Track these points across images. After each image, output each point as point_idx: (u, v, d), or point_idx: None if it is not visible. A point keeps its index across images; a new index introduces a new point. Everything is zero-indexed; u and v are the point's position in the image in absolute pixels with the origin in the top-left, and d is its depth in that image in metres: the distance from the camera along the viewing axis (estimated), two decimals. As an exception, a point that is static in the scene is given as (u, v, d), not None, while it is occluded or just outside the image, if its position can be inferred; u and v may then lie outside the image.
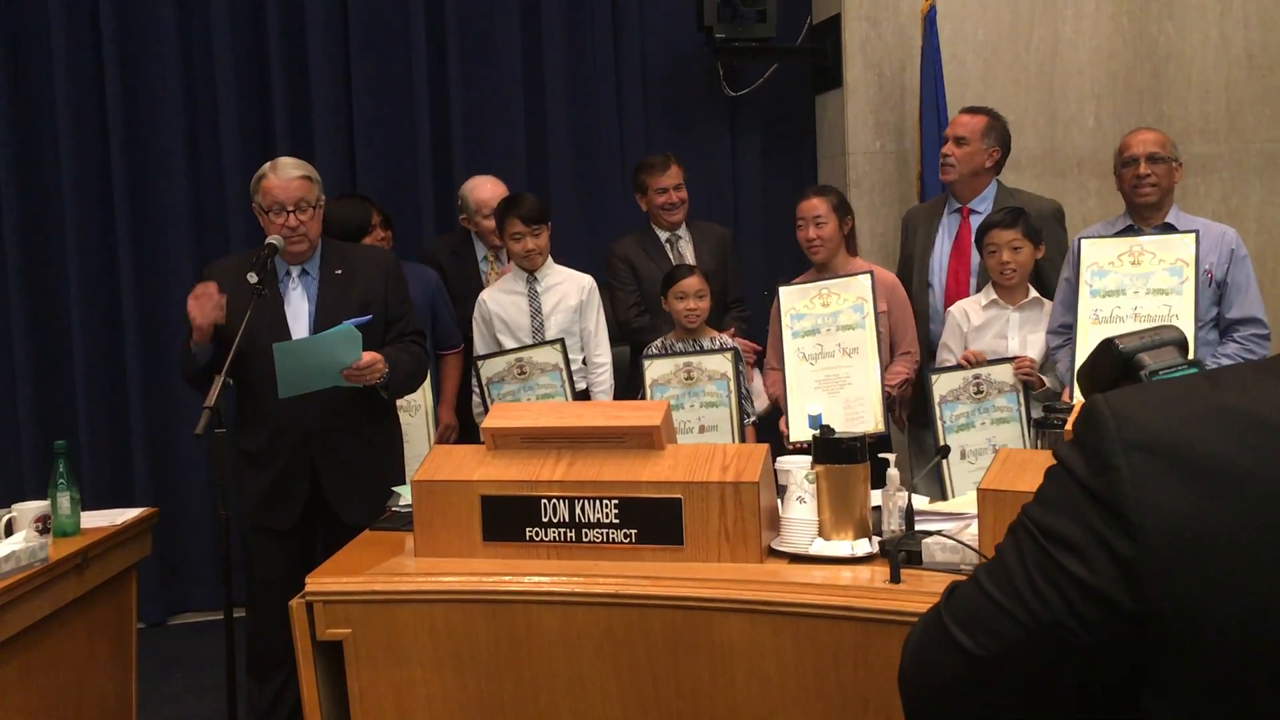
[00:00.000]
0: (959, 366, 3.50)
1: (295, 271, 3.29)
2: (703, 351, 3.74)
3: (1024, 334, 3.55)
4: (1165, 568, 0.89)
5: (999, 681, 0.98)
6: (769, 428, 3.84)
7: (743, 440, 3.64)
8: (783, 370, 3.62)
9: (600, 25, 5.13)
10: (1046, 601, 0.94)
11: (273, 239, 3.15)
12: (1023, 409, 3.38)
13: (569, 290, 4.01)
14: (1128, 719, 0.98)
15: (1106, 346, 1.14)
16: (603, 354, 4.02)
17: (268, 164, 3.27)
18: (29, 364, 4.71)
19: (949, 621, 1.01)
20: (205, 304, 3.08)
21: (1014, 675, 0.97)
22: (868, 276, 3.57)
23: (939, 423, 3.42)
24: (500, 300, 4.03)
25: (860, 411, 3.45)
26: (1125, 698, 0.97)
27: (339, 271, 3.29)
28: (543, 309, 3.99)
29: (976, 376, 3.42)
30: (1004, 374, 3.41)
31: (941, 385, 3.46)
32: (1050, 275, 3.83)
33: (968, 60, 4.99)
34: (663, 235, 4.32)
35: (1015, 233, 3.57)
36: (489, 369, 3.79)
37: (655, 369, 3.68)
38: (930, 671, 1.03)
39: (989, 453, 3.33)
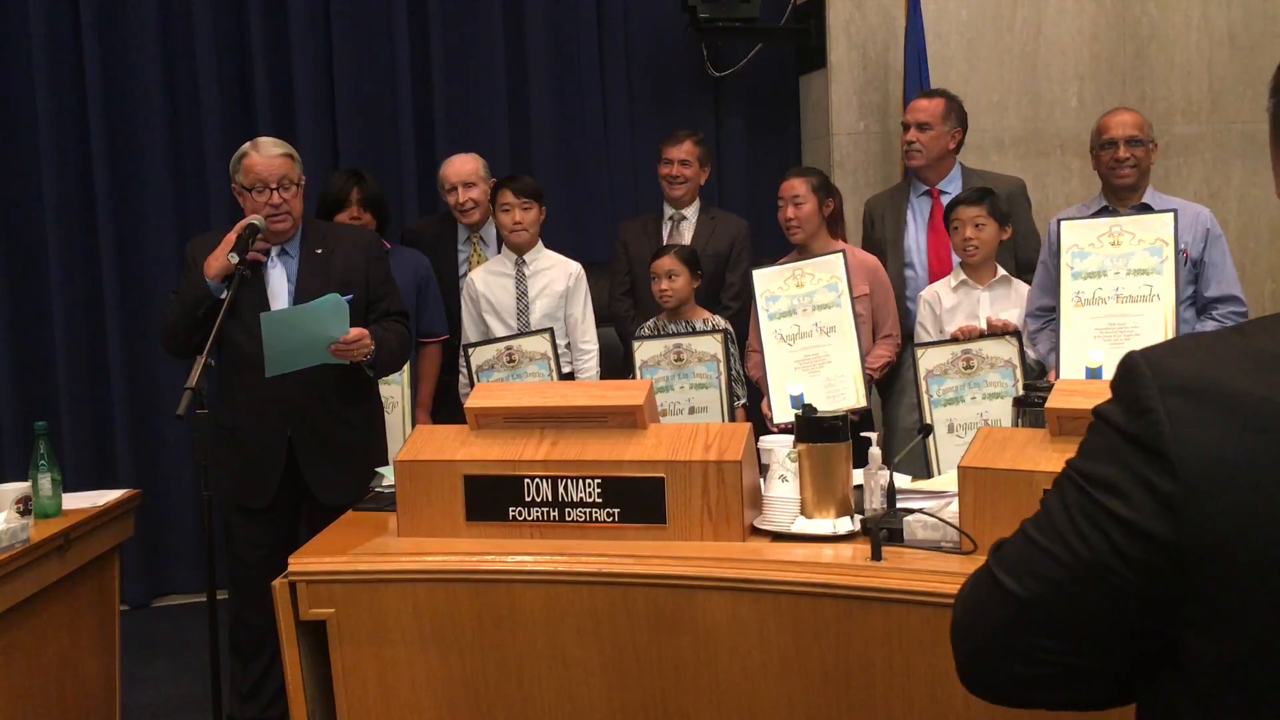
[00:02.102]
0: (949, 341, 3.50)
1: (275, 250, 3.27)
2: (693, 333, 3.75)
3: (995, 313, 3.56)
4: (1204, 501, 0.93)
5: (1044, 624, 1.02)
6: (754, 410, 3.84)
7: (732, 422, 3.65)
8: (761, 352, 3.62)
9: (584, 4, 5.11)
10: (1089, 541, 0.98)
11: (254, 219, 3.14)
12: (1018, 384, 3.37)
13: (556, 276, 4.01)
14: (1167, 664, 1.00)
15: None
16: (589, 340, 4.02)
17: (247, 143, 3.25)
18: (9, 345, 4.69)
19: (996, 570, 1.05)
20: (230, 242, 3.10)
21: (1059, 617, 1.01)
22: (840, 255, 3.58)
23: (924, 397, 3.43)
24: (488, 281, 4.03)
25: (841, 388, 3.46)
26: (1166, 642, 0.99)
27: (319, 250, 3.28)
28: (529, 292, 3.99)
29: (966, 351, 3.42)
30: (997, 349, 3.41)
31: (928, 359, 3.45)
32: (1021, 250, 3.84)
33: (951, 40, 4.99)
34: (667, 213, 4.32)
35: (979, 210, 3.58)
36: (479, 356, 3.79)
37: (645, 350, 3.69)
38: (980, 620, 1.06)
39: (980, 426, 3.34)
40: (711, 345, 3.65)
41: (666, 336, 3.76)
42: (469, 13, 5.01)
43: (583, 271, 4.05)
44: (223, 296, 3.05)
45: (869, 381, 3.56)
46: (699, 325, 3.82)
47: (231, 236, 3.12)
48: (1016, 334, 3.43)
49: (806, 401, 2.39)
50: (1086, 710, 1.08)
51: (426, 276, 4.14)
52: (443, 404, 4.12)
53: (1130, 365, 1.00)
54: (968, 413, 3.39)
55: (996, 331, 3.44)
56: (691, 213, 4.32)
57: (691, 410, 3.63)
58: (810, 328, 3.53)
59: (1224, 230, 3.66)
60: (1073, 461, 1.03)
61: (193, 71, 4.77)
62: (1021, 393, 3.26)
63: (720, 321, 3.87)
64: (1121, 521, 0.96)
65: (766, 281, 3.61)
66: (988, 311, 3.57)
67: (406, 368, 3.84)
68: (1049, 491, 1.05)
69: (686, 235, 4.26)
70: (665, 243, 4.18)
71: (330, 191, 3.98)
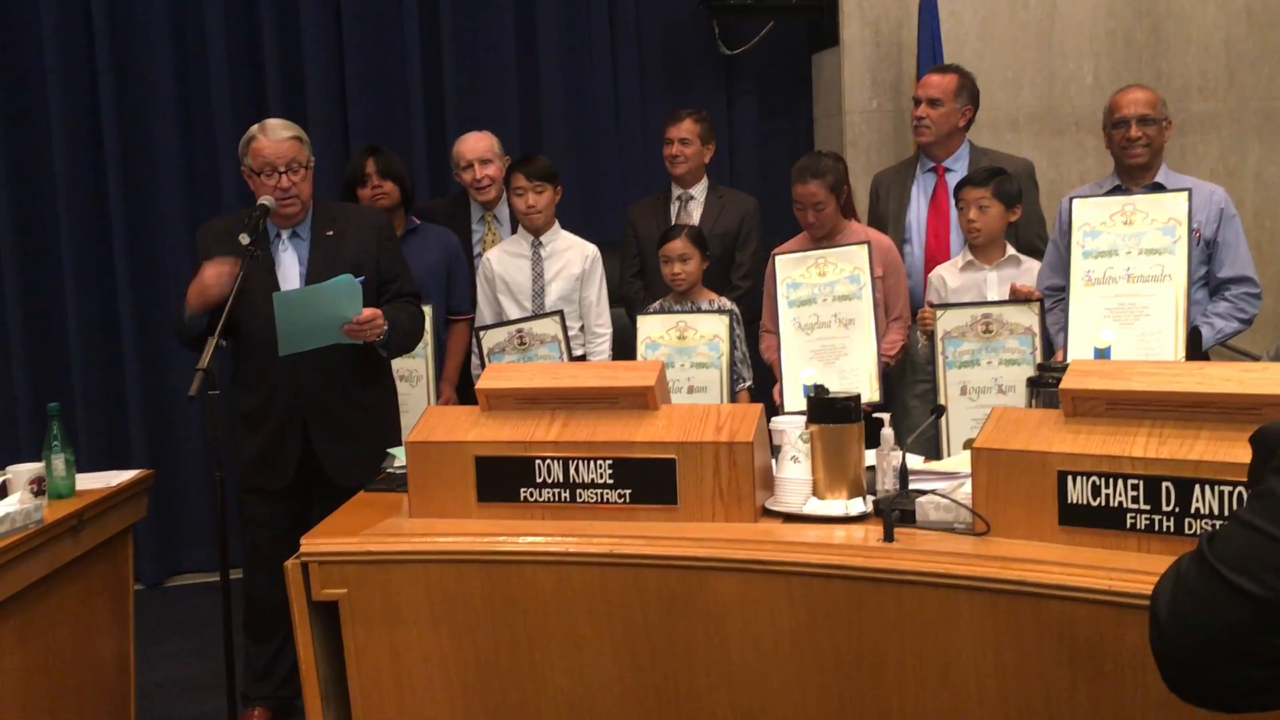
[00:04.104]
0: (970, 304, 3.47)
1: (285, 233, 3.27)
2: (698, 311, 3.73)
3: (1003, 292, 3.53)
4: None
5: None
6: (761, 393, 3.82)
7: (734, 393, 3.64)
8: (778, 338, 3.60)
9: (595, -17, 5.08)
10: None
11: (265, 200, 3.13)
12: (1036, 354, 3.34)
13: (573, 258, 4.00)
14: None
15: None
16: (603, 324, 4.02)
17: (255, 126, 3.24)
18: (23, 327, 4.70)
19: (1222, 568, 0.97)
20: (223, 275, 3.03)
21: None
22: (865, 247, 3.53)
23: (939, 358, 3.40)
24: (504, 261, 4.02)
25: (855, 382, 3.43)
26: None
27: (330, 233, 3.27)
28: (545, 274, 3.98)
29: (986, 315, 3.40)
30: (1018, 315, 3.37)
31: (946, 321, 3.42)
32: (1021, 232, 3.81)
33: (965, 17, 4.95)
34: (675, 193, 4.31)
35: (984, 191, 3.55)
36: (490, 339, 3.79)
37: (648, 326, 3.67)
38: (1204, 623, 0.98)
39: (993, 392, 3.32)
40: (716, 325, 3.62)
41: (670, 314, 3.74)
42: (479, -8, 4.99)
43: (599, 254, 4.04)
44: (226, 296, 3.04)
45: (885, 368, 3.54)
46: (705, 306, 3.80)
47: (218, 269, 3.04)
48: (1041, 302, 3.40)
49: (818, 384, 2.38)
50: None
51: (456, 254, 4.14)
52: (467, 384, 4.12)
53: None
54: (982, 377, 3.36)
55: (1020, 299, 3.41)
56: (699, 192, 4.30)
57: (690, 390, 3.60)
58: (829, 318, 3.50)
59: (1240, 208, 3.62)
60: None
61: (203, 54, 4.76)
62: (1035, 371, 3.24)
63: (725, 303, 3.85)
64: None
65: (789, 268, 3.57)
66: (995, 291, 3.55)
67: (431, 343, 3.85)
68: (1272, 479, 0.97)
69: (695, 215, 4.24)
70: (674, 223, 4.16)
71: (347, 170, 4.01)
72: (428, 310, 3.79)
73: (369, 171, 4.00)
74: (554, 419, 2.38)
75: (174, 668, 3.91)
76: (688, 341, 3.62)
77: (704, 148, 4.27)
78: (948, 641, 1.97)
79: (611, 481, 2.31)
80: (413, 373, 3.84)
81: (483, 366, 3.77)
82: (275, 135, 3.18)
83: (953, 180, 3.89)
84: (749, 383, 3.81)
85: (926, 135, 3.97)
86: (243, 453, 3.30)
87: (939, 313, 3.44)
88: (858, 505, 2.24)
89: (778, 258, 3.62)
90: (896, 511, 2.15)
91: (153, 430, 4.82)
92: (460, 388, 4.12)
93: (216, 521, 2.94)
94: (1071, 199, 3.41)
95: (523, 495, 2.36)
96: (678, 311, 3.77)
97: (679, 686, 2.18)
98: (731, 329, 3.63)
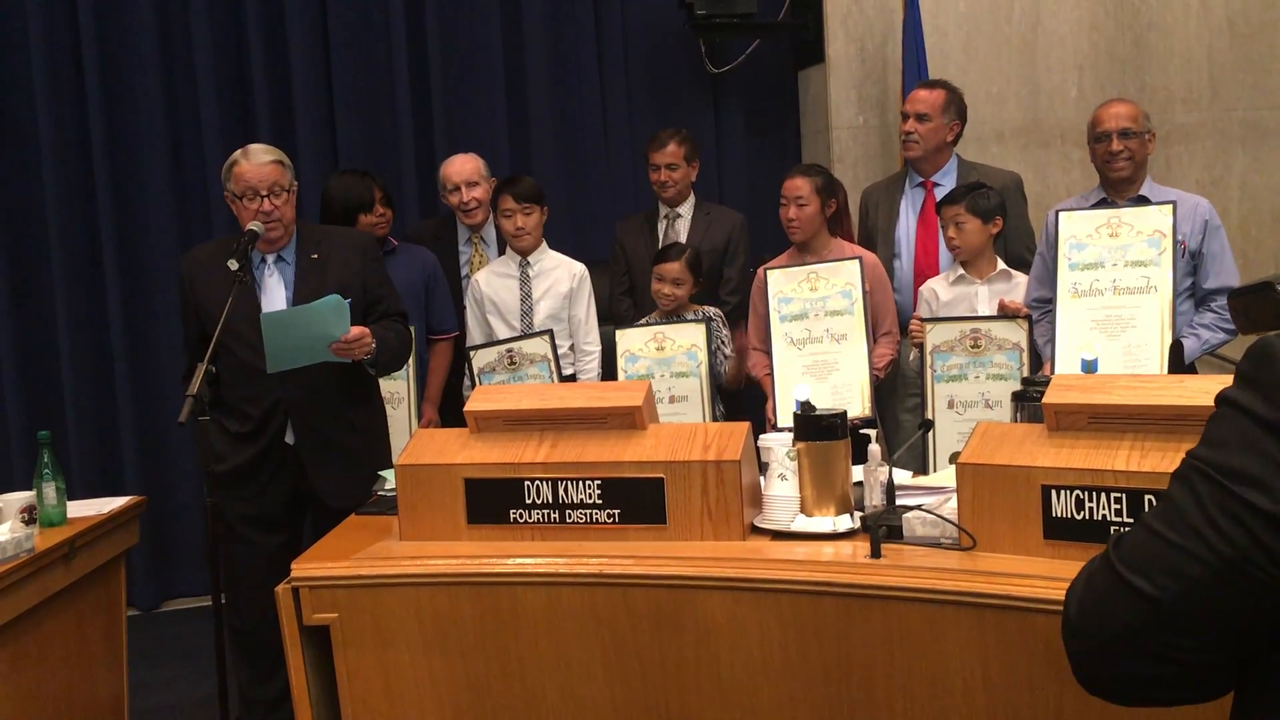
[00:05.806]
0: (959, 318, 3.49)
1: (270, 258, 3.27)
2: (673, 321, 3.75)
3: (993, 307, 3.54)
4: None
5: (1179, 623, 0.98)
6: (755, 410, 3.83)
7: (714, 411, 3.66)
8: (769, 354, 3.61)
9: (581, 4, 5.11)
10: (1228, 537, 0.94)
11: (253, 225, 3.14)
12: (1024, 369, 3.36)
13: (560, 277, 4.02)
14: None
15: (1266, 292, 1.18)
16: (592, 341, 4.03)
17: (238, 151, 3.26)
18: (15, 355, 4.70)
19: (1122, 568, 1.01)
20: None
21: (1195, 615, 0.97)
22: (856, 262, 3.55)
23: (928, 371, 3.42)
24: (492, 282, 4.04)
25: (848, 397, 3.44)
26: None
27: (315, 256, 3.28)
28: (533, 294, 4.00)
29: (975, 330, 3.42)
30: (1006, 331, 3.39)
31: (935, 335, 3.44)
32: (1010, 245, 3.83)
33: (950, 32, 4.98)
34: (663, 211, 4.33)
35: (957, 208, 3.57)
36: (480, 359, 3.81)
37: (626, 340, 3.68)
38: (1104, 620, 1.02)
39: (980, 406, 3.34)
40: (693, 334, 3.64)
41: (648, 326, 3.76)
42: (467, 13, 5.01)
43: (586, 272, 4.06)
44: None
45: (875, 382, 3.55)
46: (689, 318, 3.82)
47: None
48: (1029, 318, 3.42)
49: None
50: (1197, 703, 1.04)
51: (434, 273, 4.14)
52: (450, 404, 4.13)
53: (1269, 352, 0.96)
54: (969, 391, 3.38)
55: (1008, 314, 3.43)
56: (686, 209, 4.32)
57: (672, 399, 3.61)
58: (821, 333, 3.51)
59: (1225, 218, 3.64)
60: (1200, 453, 0.99)
61: (191, 78, 4.78)
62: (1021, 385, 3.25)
63: (707, 310, 3.87)
64: (1263, 515, 0.93)
65: (780, 282, 3.59)
66: (985, 306, 3.57)
67: (412, 363, 3.86)
68: (1174, 485, 1.01)
69: (682, 232, 4.26)
70: (662, 240, 4.18)
71: (350, 194, 3.99)
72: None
73: (377, 198, 4.02)
74: (542, 440, 2.39)
75: (168, 693, 3.90)
76: (666, 352, 3.64)
77: (689, 168, 4.29)
78: (935, 656, 1.98)
79: (600, 502, 2.32)
80: (394, 394, 3.84)
81: (474, 387, 3.78)
82: (257, 159, 3.19)
83: (941, 195, 3.92)
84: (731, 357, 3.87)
85: (915, 150, 4.00)
86: (232, 475, 3.30)
87: (928, 326, 3.46)
88: (845, 522, 2.25)
89: (769, 272, 3.64)
90: (883, 528, 2.16)
91: (146, 455, 4.82)
92: (446, 408, 4.13)
93: (207, 549, 2.94)
94: (1058, 212, 3.44)
95: (512, 517, 2.36)
96: (655, 324, 3.79)
97: (670, 705, 2.19)
98: (709, 336, 3.64)
